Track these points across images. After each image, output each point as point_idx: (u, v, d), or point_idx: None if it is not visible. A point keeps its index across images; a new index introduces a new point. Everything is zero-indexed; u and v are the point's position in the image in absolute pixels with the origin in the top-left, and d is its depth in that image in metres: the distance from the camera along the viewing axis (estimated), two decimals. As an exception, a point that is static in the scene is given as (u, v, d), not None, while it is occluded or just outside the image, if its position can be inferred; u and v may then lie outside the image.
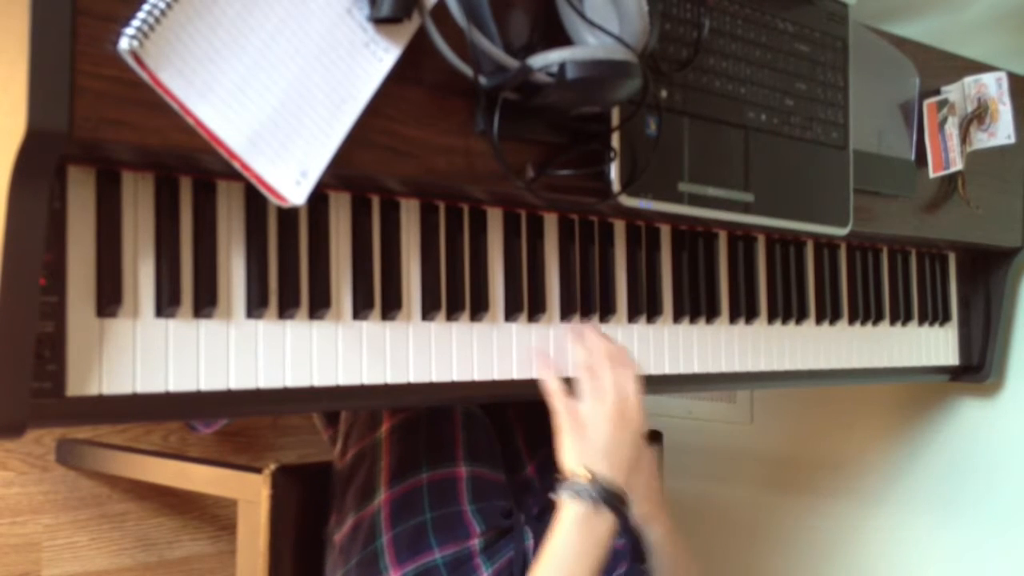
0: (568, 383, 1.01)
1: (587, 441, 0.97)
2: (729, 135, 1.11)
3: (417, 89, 0.89)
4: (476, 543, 1.13)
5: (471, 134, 0.92)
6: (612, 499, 0.95)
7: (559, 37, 0.94)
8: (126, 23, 0.72)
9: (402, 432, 1.17)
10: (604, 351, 1.01)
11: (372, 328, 0.94)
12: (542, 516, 1.22)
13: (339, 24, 0.82)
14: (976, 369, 1.59)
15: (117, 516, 1.82)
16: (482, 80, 0.89)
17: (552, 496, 0.97)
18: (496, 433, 1.27)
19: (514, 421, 1.30)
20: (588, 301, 1.10)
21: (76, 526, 1.78)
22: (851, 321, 1.41)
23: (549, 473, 1.24)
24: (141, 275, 0.81)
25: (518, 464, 1.27)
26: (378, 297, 0.95)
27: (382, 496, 1.14)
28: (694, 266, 1.21)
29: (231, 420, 1.88)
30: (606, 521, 0.96)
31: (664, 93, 1.04)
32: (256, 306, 0.87)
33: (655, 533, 1.16)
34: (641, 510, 1.14)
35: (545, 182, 0.97)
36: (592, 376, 1.00)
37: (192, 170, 0.84)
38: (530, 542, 1.17)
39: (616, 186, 1.00)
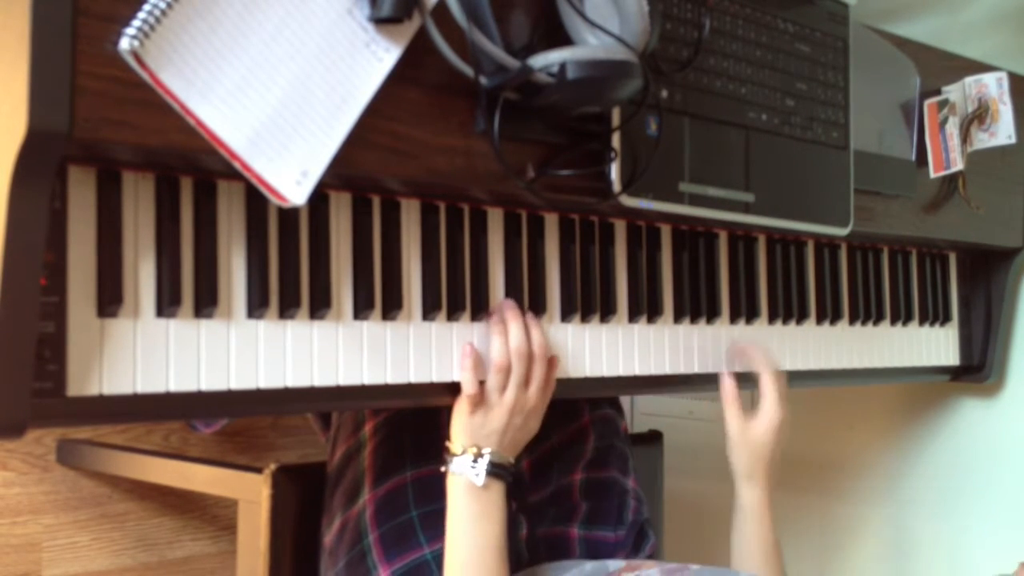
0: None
1: (484, 427, 1.00)
2: (730, 135, 1.11)
3: (418, 89, 0.89)
4: None
5: (472, 134, 0.92)
6: (496, 469, 1.00)
7: (559, 37, 0.94)
8: (126, 23, 0.72)
9: (385, 431, 1.17)
10: (520, 350, 1.01)
11: (373, 328, 0.94)
12: (540, 507, 1.22)
13: (340, 24, 0.82)
14: (976, 369, 1.59)
15: (118, 516, 1.82)
16: (483, 80, 0.89)
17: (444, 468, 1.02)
18: None
19: None
20: (589, 301, 1.10)
21: (77, 526, 1.77)
22: (852, 321, 1.41)
23: (544, 466, 1.24)
24: (142, 275, 0.81)
25: None
26: (379, 297, 0.95)
27: (366, 496, 1.14)
28: (695, 266, 1.21)
29: (231, 420, 1.88)
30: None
31: (665, 93, 1.04)
32: (257, 306, 0.87)
33: (750, 494, 1.17)
34: (744, 468, 1.16)
35: (546, 182, 0.98)
36: (499, 375, 1.01)
37: (193, 170, 0.84)
38: (523, 531, 1.17)
39: (617, 186, 1.00)
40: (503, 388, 0.99)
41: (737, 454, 1.16)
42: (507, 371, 0.99)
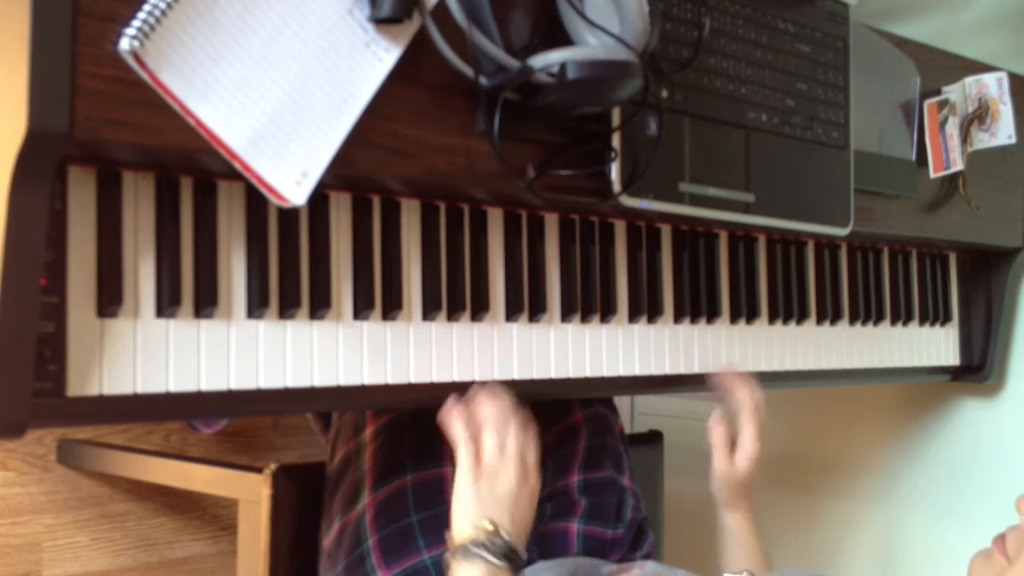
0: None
1: (494, 494, 0.94)
2: (730, 135, 1.11)
3: (418, 89, 0.89)
4: None
5: (472, 134, 0.92)
6: (512, 554, 0.92)
7: (560, 37, 0.94)
8: (127, 23, 0.72)
9: (386, 435, 1.17)
10: (502, 417, 0.97)
11: (373, 328, 0.94)
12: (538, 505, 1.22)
13: (340, 24, 0.82)
14: (977, 369, 1.59)
15: (118, 516, 1.82)
16: (483, 80, 0.89)
17: (448, 555, 0.93)
18: None
19: None
20: (589, 301, 1.10)
21: (77, 526, 1.78)
22: (852, 321, 1.41)
23: (546, 469, 1.24)
24: (142, 275, 0.81)
25: None
26: (379, 297, 0.95)
27: (366, 500, 1.14)
28: (695, 266, 1.21)
29: (231, 420, 1.88)
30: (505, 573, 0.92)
31: (665, 93, 1.04)
32: (257, 306, 0.87)
33: (733, 518, 1.21)
34: (727, 499, 1.20)
35: (546, 182, 0.97)
36: (496, 434, 0.96)
37: (193, 170, 0.84)
38: None
39: (617, 186, 1.00)
40: (503, 445, 0.95)
41: (720, 488, 1.19)
42: (497, 429, 0.95)
